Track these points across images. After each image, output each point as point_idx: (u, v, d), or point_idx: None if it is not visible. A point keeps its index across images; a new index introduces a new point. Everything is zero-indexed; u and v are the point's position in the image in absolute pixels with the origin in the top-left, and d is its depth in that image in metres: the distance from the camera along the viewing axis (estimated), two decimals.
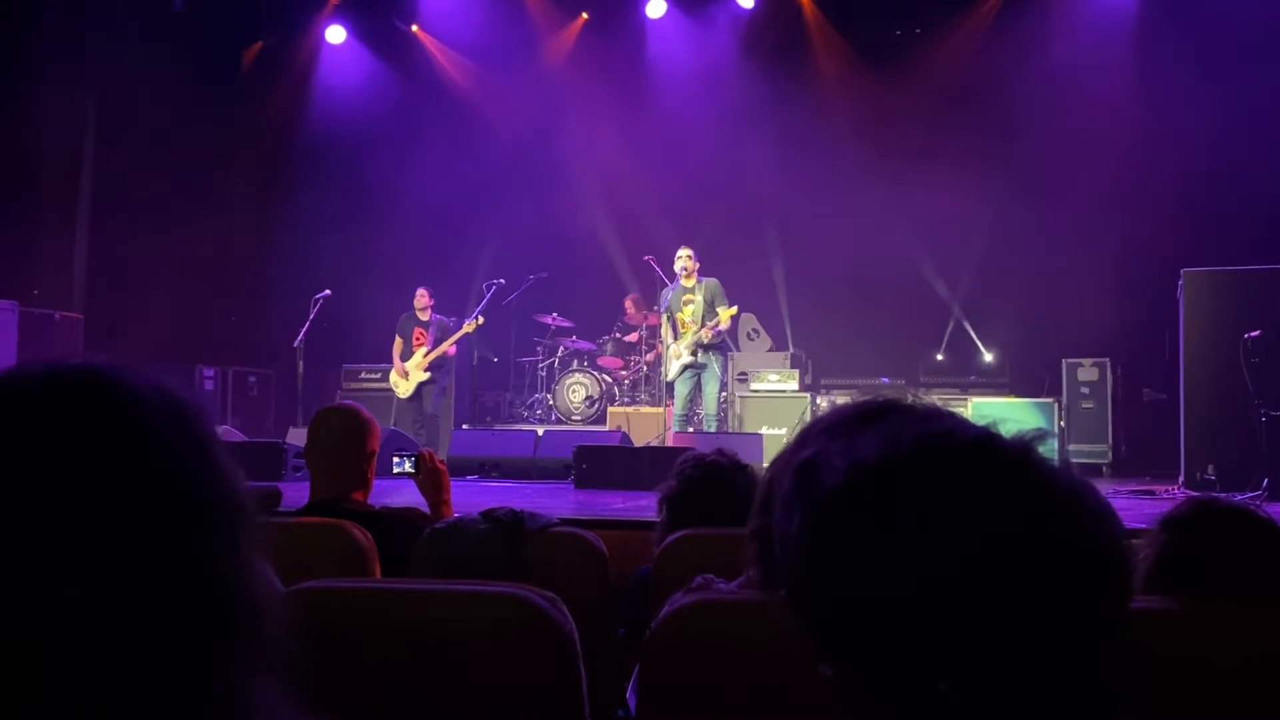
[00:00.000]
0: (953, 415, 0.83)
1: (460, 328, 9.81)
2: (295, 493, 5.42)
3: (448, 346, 9.75)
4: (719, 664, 1.45)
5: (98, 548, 0.71)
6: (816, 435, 0.84)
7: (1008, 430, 0.81)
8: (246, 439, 8.85)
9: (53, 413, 0.74)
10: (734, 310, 8.63)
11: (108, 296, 10.24)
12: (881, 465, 0.77)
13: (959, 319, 10.81)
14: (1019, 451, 0.78)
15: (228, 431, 8.92)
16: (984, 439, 0.79)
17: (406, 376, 9.69)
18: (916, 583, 0.74)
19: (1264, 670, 1.50)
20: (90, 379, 0.77)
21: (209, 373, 10.66)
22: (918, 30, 11.10)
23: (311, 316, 9.45)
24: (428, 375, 9.66)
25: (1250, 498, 5.84)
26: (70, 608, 0.69)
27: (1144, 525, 1.82)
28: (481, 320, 9.68)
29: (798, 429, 0.91)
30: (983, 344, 10.80)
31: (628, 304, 11.06)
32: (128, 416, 0.76)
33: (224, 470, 0.80)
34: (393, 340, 9.85)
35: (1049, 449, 0.80)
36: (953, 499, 0.75)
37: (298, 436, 8.26)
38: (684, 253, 8.71)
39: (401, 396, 9.73)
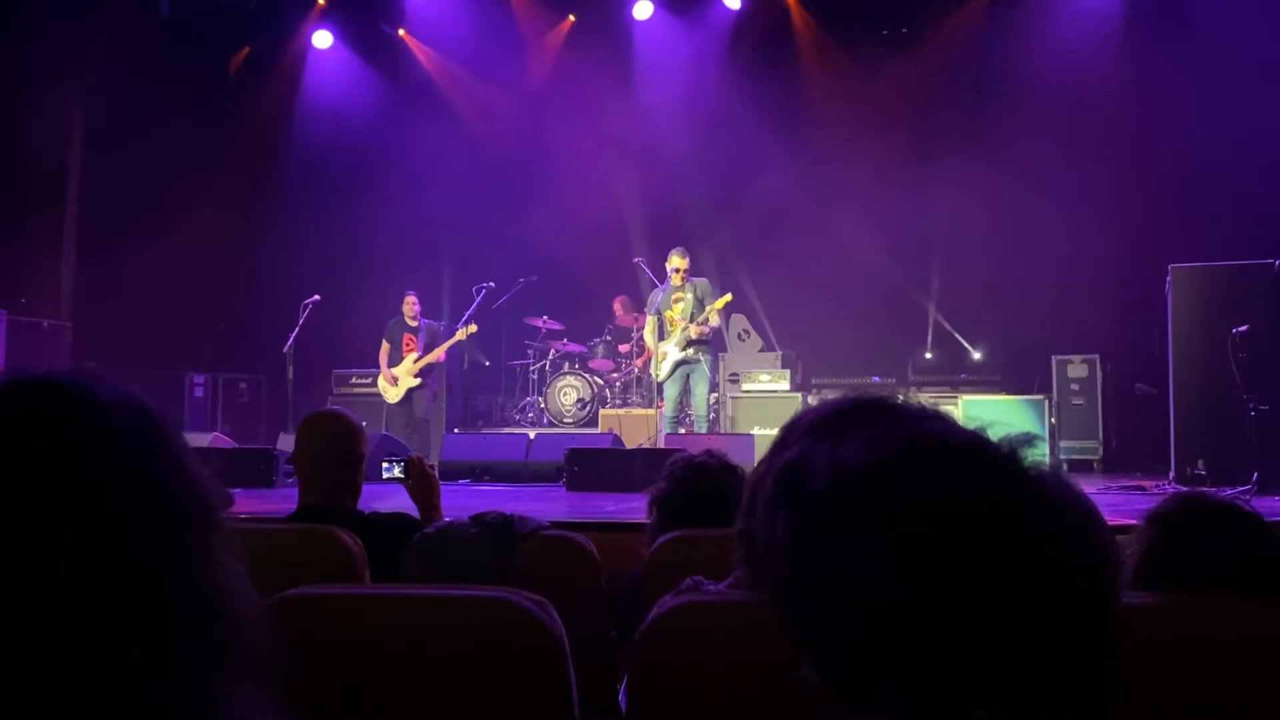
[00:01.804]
0: (940, 417, 0.82)
1: (450, 333, 9.80)
2: (286, 499, 5.41)
3: (440, 353, 9.75)
4: (709, 665, 1.45)
5: (64, 553, 0.71)
6: (799, 435, 0.83)
7: (996, 434, 0.80)
8: (237, 446, 8.83)
9: (11, 421, 0.74)
10: (728, 298, 8.62)
11: (96, 304, 10.21)
12: (868, 470, 0.77)
13: (937, 318, 10.84)
14: (1008, 457, 0.78)
15: (218, 438, 8.89)
16: (972, 444, 0.78)
17: (395, 382, 9.68)
18: (902, 589, 0.73)
19: (1252, 666, 1.50)
20: (49, 387, 0.77)
21: (199, 380, 10.64)
22: (904, 30, 11.13)
23: (301, 322, 9.42)
24: (418, 381, 9.65)
25: (1240, 492, 5.86)
26: (39, 614, 0.69)
27: (1134, 521, 1.82)
28: (474, 328, 9.68)
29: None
30: (972, 342, 10.82)
31: (616, 306, 11.07)
32: (88, 423, 0.76)
33: (191, 474, 0.80)
34: (379, 345, 9.85)
35: (1037, 453, 0.79)
36: (940, 505, 0.74)
37: (289, 442, 8.22)
38: (680, 261, 8.68)
39: (391, 401, 9.72)
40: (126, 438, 0.77)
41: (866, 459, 0.77)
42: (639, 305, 10.46)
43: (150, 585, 0.73)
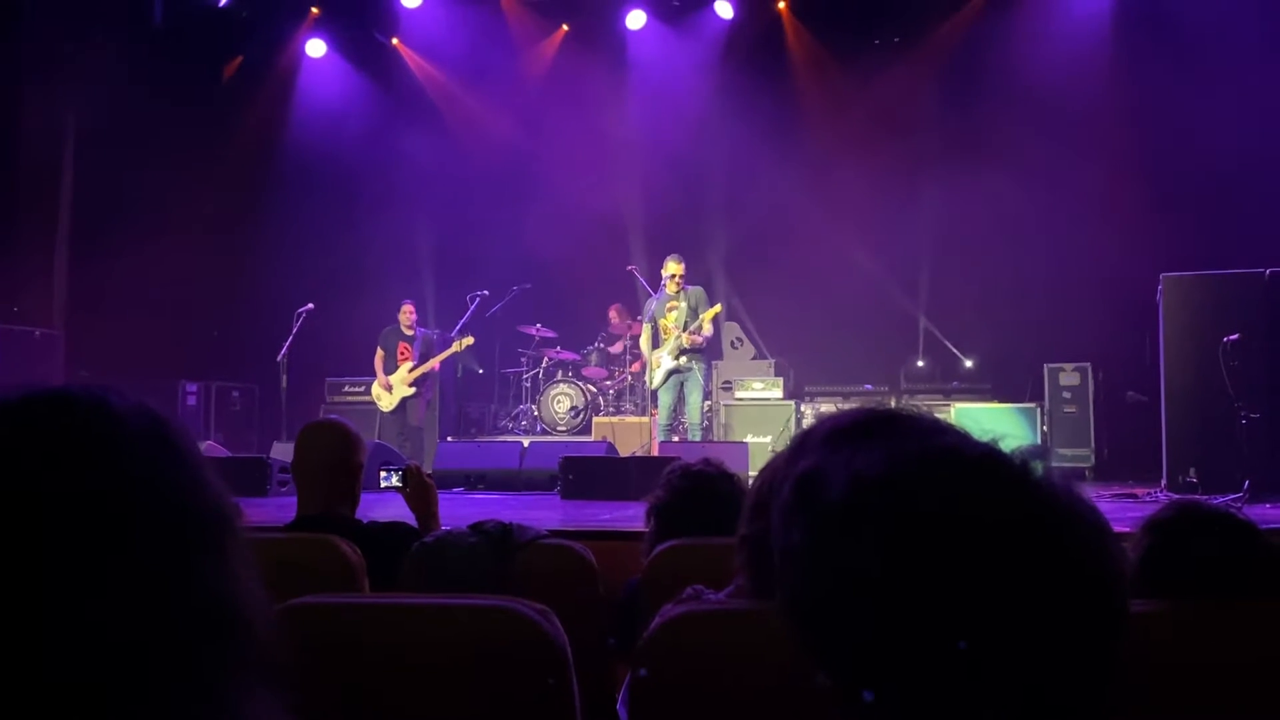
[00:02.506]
0: (954, 429, 0.83)
1: (445, 342, 9.80)
2: (281, 508, 5.41)
3: (435, 363, 9.75)
4: (710, 674, 1.46)
5: (83, 565, 0.71)
6: (815, 445, 0.84)
7: (1008, 446, 0.81)
8: (230, 454, 8.81)
9: (30, 435, 0.75)
10: (718, 308, 8.65)
11: (88, 313, 10.18)
12: (885, 480, 0.77)
13: (928, 326, 10.87)
14: (1021, 469, 0.79)
15: (211, 447, 8.88)
16: (987, 456, 0.79)
17: (390, 390, 9.68)
18: (916, 598, 0.74)
19: (1246, 671, 1.51)
20: (67, 400, 0.78)
21: (192, 388, 10.61)
22: (896, 39, 11.16)
23: (294, 330, 9.42)
24: (413, 390, 9.65)
25: (1232, 499, 5.88)
26: (58, 625, 0.70)
27: (1127, 529, 1.84)
28: (471, 340, 9.68)
29: (791, 436, 0.91)
30: (964, 350, 10.85)
31: (612, 314, 11.07)
32: (106, 435, 0.77)
33: (208, 485, 0.80)
34: (374, 353, 9.85)
35: (1048, 465, 0.81)
36: (957, 515, 0.75)
37: (282, 451, 8.23)
38: (676, 267, 8.68)
39: (385, 410, 9.71)
40: (143, 449, 0.77)
41: (883, 469, 0.78)
42: (634, 313, 10.47)
43: (168, 594, 0.74)
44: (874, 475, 0.78)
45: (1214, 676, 1.51)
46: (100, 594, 0.71)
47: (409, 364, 9.68)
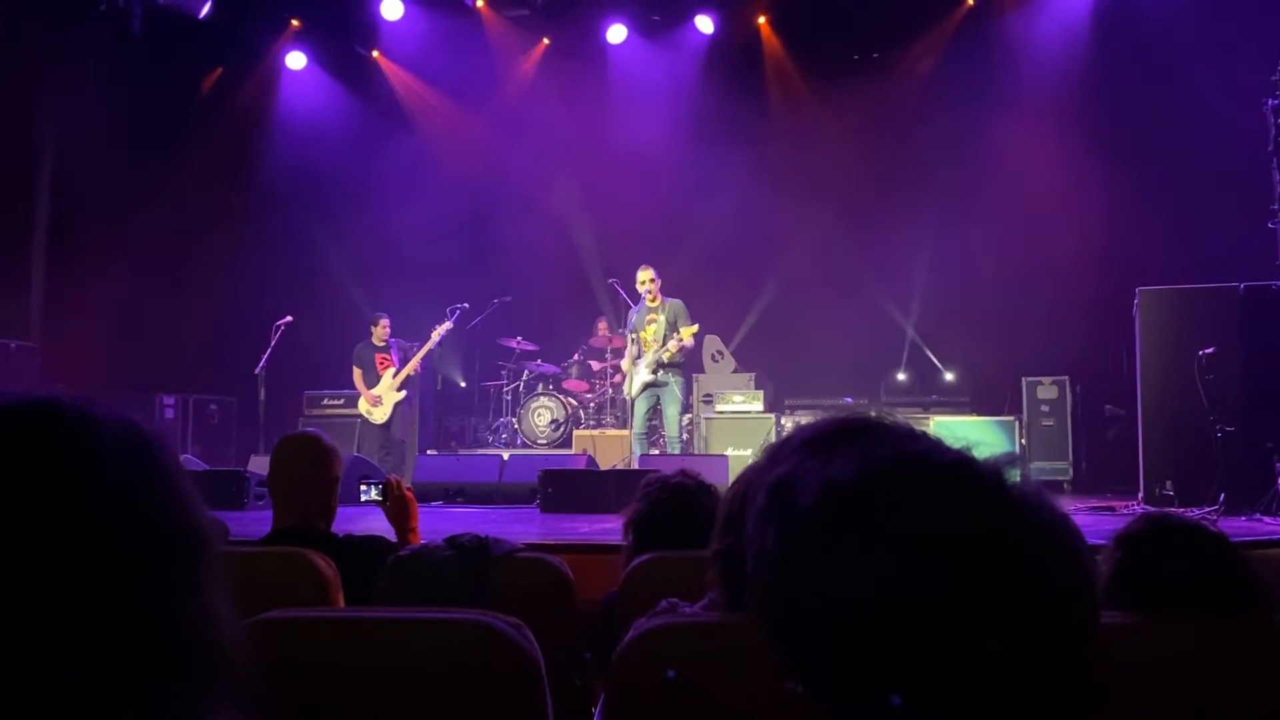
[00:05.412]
0: (927, 436, 0.84)
1: (418, 350, 9.80)
2: (258, 522, 5.37)
3: (416, 362, 9.74)
4: (685, 687, 1.46)
5: (55, 577, 0.71)
6: (791, 452, 0.85)
7: (981, 453, 0.81)
8: (208, 467, 8.75)
9: (10, 444, 0.74)
10: (695, 328, 8.67)
11: (65, 324, 10.10)
12: (858, 485, 0.78)
13: (913, 339, 10.92)
14: (993, 475, 0.79)
15: (189, 460, 8.81)
16: (959, 462, 0.80)
17: (379, 402, 9.65)
18: (888, 601, 0.75)
19: (1214, 684, 1.52)
20: (50, 410, 0.77)
21: (169, 401, 10.54)
22: (875, 55, 11.24)
23: (273, 343, 9.38)
24: (403, 394, 9.65)
25: (1207, 512, 5.92)
26: (26, 637, 0.69)
27: (1103, 542, 1.84)
28: (449, 325, 9.64)
29: (766, 446, 0.91)
30: (943, 363, 10.90)
31: (600, 326, 11.08)
32: (87, 447, 0.76)
33: (186, 501, 0.80)
34: (351, 371, 9.83)
35: (1021, 472, 0.81)
36: (928, 520, 0.76)
37: (260, 464, 8.17)
38: (645, 274, 8.73)
39: (377, 422, 9.68)
40: (121, 461, 0.77)
41: (856, 474, 0.78)
42: (619, 326, 10.48)
43: (137, 608, 0.73)
44: (846, 481, 0.78)
45: (1184, 689, 1.52)
46: (69, 605, 0.70)
47: (392, 369, 9.68)
